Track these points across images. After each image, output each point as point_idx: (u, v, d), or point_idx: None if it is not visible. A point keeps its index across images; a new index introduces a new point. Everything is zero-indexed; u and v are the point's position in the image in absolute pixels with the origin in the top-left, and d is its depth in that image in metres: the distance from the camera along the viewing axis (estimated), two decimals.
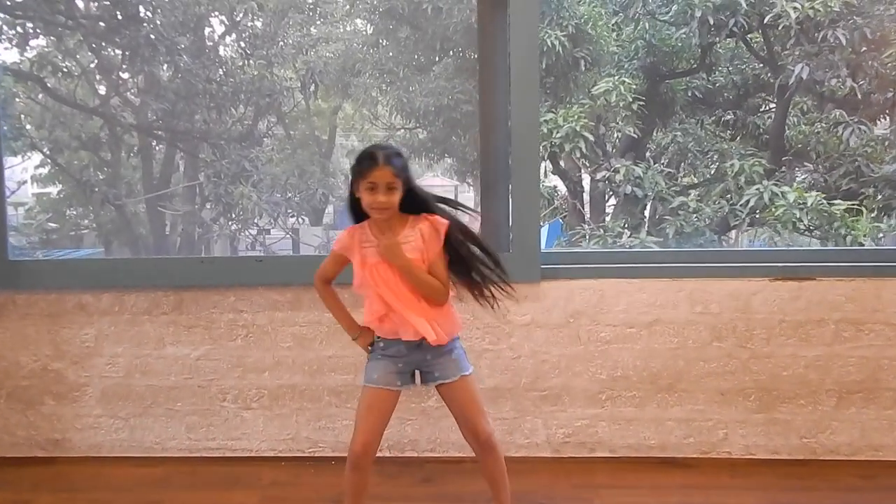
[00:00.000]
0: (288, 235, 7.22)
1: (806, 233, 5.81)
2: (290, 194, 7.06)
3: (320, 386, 2.94)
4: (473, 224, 2.48)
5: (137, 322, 2.96)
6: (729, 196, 6.40)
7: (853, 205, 5.96)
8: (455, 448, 2.86)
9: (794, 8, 5.99)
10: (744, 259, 2.90)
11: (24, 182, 7.67)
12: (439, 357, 2.10)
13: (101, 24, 6.35)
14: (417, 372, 2.14)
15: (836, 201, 5.84)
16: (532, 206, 2.87)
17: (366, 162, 2.00)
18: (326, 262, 2.20)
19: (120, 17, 6.25)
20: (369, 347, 2.18)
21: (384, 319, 2.09)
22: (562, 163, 6.90)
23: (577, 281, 2.86)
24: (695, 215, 6.41)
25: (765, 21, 6.32)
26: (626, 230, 6.34)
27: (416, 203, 2.08)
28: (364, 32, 8.05)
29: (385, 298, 2.06)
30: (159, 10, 6.54)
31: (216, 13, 7.31)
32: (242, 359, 2.95)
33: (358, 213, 2.11)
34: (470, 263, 2.12)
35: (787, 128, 6.85)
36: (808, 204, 5.68)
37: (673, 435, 2.88)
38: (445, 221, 2.08)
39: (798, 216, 5.69)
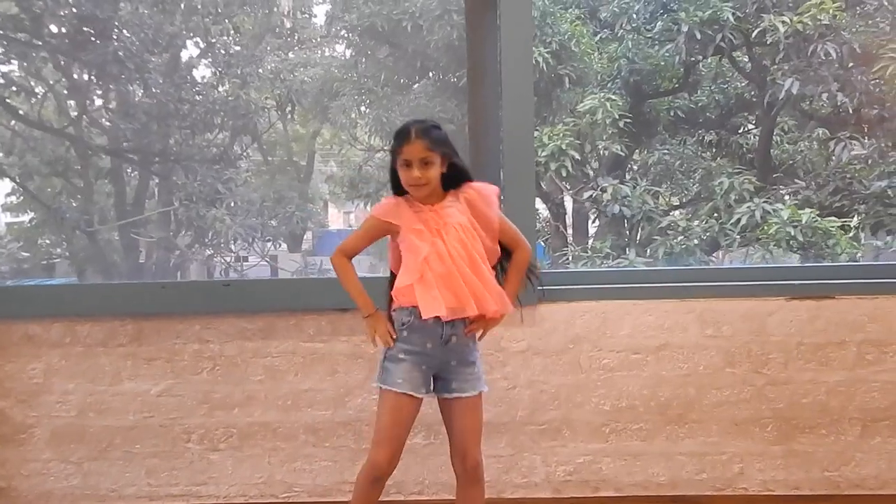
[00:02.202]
0: (265, 262, 6.97)
1: (800, 251, 5.66)
2: (269, 220, 6.82)
3: (296, 423, 2.68)
4: None
5: (91, 355, 2.68)
6: (717, 215, 6.26)
7: (846, 222, 5.83)
8: (446, 489, 2.59)
9: (783, 22, 5.88)
10: (757, 277, 2.68)
11: None
12: (463, 365, 2.01)
13: (67, 41, 6.09)
14: (434, 380, 2.03)
15: (830, 218, 5.71)
16: (527, 223, 2.63)
17: (399, 138, 1.96)
18: (359, 234, 2.07)
19: (87, 32, 6.01)
20: (377, 340, 2.03)
21: (431, 284, 1.93)
22: (543, 185, 6.72)
23: (578, 303, 2.64)
24: (683, 235, 6.25)
25: (752, 36, 6.21)
26: (612, 251, 6.16)
27: (459, 179, 2.02)
28: (343, 56, 7.89)
29: (452, 258, 1.93)
30: (127, 29, 6.31)
31: (190, 34, 7.10)
32: (209, 394, 2.69)
33: (398, 185, 2.03)
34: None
35: (772, 146, 6.76)
36: (803, 221, 5.52)
37: (684, 470, 2.64)
38: (494, 187, 2.06)
39: (792, 234, 5.53)
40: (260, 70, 7.26)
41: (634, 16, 6.79)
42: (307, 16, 8.29)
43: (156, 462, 2.71)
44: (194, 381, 2.68)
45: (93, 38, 6.10)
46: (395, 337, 2.00)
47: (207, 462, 2.70)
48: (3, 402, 2.70)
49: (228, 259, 6.59)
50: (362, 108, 7.80)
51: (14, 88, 6.70)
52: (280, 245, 7.24)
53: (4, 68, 6.59)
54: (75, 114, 6.91)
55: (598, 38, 7.07)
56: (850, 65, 6.17)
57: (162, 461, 2.70)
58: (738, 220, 5.86)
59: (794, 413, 2.61)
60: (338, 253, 2.10)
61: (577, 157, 6.28)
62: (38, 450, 2.71)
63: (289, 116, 7.84)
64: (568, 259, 6.42)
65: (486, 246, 2.01)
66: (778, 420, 2.62)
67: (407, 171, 1.95)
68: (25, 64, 6.59)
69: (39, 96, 6.88)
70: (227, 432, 2.69)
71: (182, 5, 6.91)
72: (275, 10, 7.92)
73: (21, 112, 6.83)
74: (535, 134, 5.81)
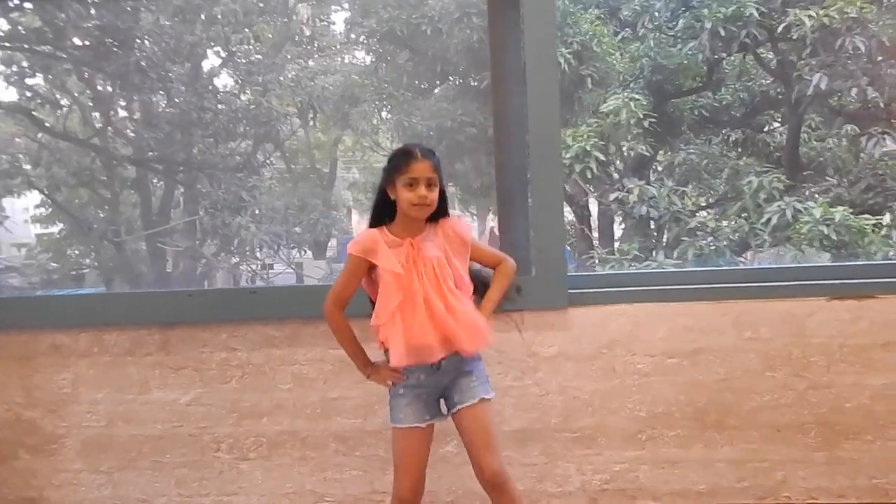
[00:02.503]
0: (291, 269, 6.98)
1: (833, 250, 5.54)
2: (293, 227, 6.84)
3: (325, 432, 2.64)
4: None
5: (119, 364, 2.66)
6: (746, 214, 6.15)
7: (880, 220, 5.70)
8: (480, 498, 2.52)
9: (810, 16, 5.77)
10: (795, 277, 2.59)
11: (27, 221, 7.55)
12: (459, 378, 2.02)
13: (90, 52, 6.14)
14: (442, 401, 2.05)
15: (863, 215, 5.59)
16: (556, 223, 2.58)
17: (403, 157, 1.95)
18: (343, 279, 2.04)
19: (110, 43, 6.05)
20: (388, 383, 2.05)
21: (400, 331, 1.95)
22: (568, 188, 6.66)
23: (610, 306, 2.56)
24: (712, 236, 6.16)
25: (777, 31, 6.10)
26: (640, 253, 6.08)
27: (441, 211, 2.03)
28: (363, 62, 7.90)
29: (426, 299, 1.94)
30: (149, 39, 6.35)
31: (211, 43, 7.13)
32: (237, 403, 2.65)
33: (385, 215, 2.03)
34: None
35: (799, 143, 6.63)
36: (836, 219, 5.40)
37: (724, 479, 2.56)
38: (468, 224, 2.07)
39: (825, 232, 5.42)
40: (281, 78, 7.28)
41: (656, 14, 6.71)
42: (326, 23, 8.30)
43: (185, 472, 2.68)
44: (223, 390, 2.65)
45: (115, 49, 6.15)
46: (401, 371, 2.01)
47: (237, 472, 2.67)
48: (32, 413, 2.69)
49: (254, 267, 6.61)
50: (383, 114, 7.79)
51: (39, 101, 6.78)
52: (305, 252, 7.26)
53: (30, 81, 6.67)
54: (100, 125, 6.97)
55: (619, 37, 7.01)
56: (880, 58, 6.05)
57: (191, 471, 2.68)
58: (769, 219, 5.76)
59: (838, 418, 2.52)
60: (330, 304, 2.08)
61: (602, 158, 6.22)
62: (69, 460, 2.70)
63: (310, 123, 7.85)
64: (594, 262, 6.35)
65: (463, 279, 2.02)
66: (821, 425, 2.53)
67: (412, 191, 1.93)
68: (50, 76, 6.66)
69: (65, 108, 6.95)
70: (257, 441, 2.66)
71: (202, 15, 6.95)
72: (294, 18, 7.94)
73: (47, 124, 6.91)
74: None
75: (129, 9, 6.12)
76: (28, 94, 6.59)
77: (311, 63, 7.85)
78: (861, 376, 2.51)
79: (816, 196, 6.29)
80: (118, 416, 2.68)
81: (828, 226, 5.41)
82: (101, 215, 6.97)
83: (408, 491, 2.00)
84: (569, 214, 6.95)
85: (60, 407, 2.68)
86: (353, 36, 7.78)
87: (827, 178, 6.51)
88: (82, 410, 2.68)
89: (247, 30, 7.17)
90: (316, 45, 8.07)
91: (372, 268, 2.01)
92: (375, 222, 2.04)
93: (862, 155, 6.38)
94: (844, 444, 2.53)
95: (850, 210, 5.63)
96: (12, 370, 2.68)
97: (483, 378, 2.06)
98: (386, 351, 2.02)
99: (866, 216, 5.58)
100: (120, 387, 2.67)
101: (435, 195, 1.96)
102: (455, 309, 1.95)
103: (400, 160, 1.95)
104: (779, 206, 5.74)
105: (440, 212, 2.02)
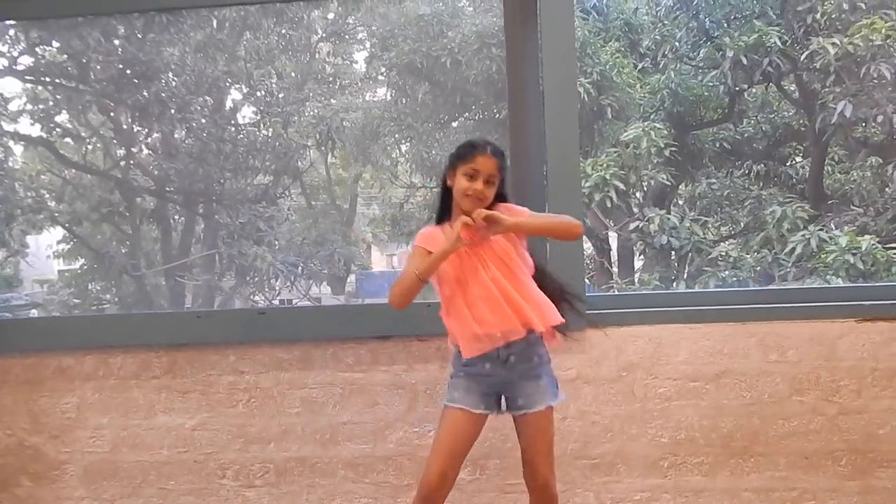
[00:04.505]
0: (308, 301, 6.95)
1: (860, 280, 5.40)
2: (310, 260, 6.82)
3: (334, 458, 2.56)
4: None
5: (125, 387, 2.61)
6: (770, 245, 6.03)
7: None
8: None
9: (833, 44, 5.70)
10: (825, 297, 2.49)
11: (49, 257, 7.63)
12: (527, 380, 1.98)
13: (112, 85, 6.23)
14: (503, 398, 2.01)
15: (890, 245, 5.45)
16: (575, 255, 2.52)
17: (471, 149, 1.96)
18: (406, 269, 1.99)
19: (131, 77, 6.13)
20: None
21: (465, 319, 1.93)
22: (587, 221, 6.59)
23: (630, 328, 2.48)
24: (734, 267, 6.04)
25: (800, 60, 6.04)
26: (661, 283, 5.98)
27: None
28: (384, 98, 7.96)
29: (485, 287, 1.92)
30: (171, 72, 6.44)
31: (230, 79, 7.22)
32: (244, 428, 2.59)
33: (446, 209, 2.04)
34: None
35: (823, 175, 6.54)
36: (863, 248, 5.27)
37: None
38: (523, 208, 2.03)
39: (852, 262, 5.28)
40: (302, 113, 7.34)
41: (677, 44, 6.68)
42: (348, 62, 8.39)
43: (190, 499, 2.60)
44: (229, 415, 2.58)
45: (137, 81, 6.23)
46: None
47: (243, 499, 2.59)
48: (36, 439, 2.64)
49: (272, 300, 6.58)
50: (402, 147, 7.81)
51: (63, 135, 6.87)
52: (323, 286, 7.24)
53: (56, 117, 6.77)
54: (122, 155, 7.04)
55: (639, 68, 6.99)
56: None
57: (196, 498, 2.60)
58: (793, 249, 5.63)
59: (871, 445, 2.41)
60: (394, 297, 2.01)
61: (622, 187, 6.14)
62: (72, 487, 2.63)
63: (330, 158, 7.89)
64: (614, 293, 6.24)
65: (525, 258, 2.01)
66: (852, 453, 2.41)
67: (470, 182, 1.93)
68: (73, 112, 6.75)
69: (88, 142, 7.03)
70: (264, 468, 2.58)
71: (226, 54, 7.04)
72: (316, 56, 8.03)
73: (72, 158, 6.99)
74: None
75: (149, 43, 6.21)
76: (53, 128, 6.69)
77: (332, 101, 7.91)
78: (894, 401, 2.39)
79: (842, 226, 6.16)
80: (123, 441, 2.62)
81: (854, 255, 5.27)
82: (123, 251, 7.00)
83: (435, 475, 1.94)
84: (588, 248, 6.87)
85: (64, 432, 2.63)
86: (373, 72, 7.85)
87: (852, 207, 6.39)
88: (86, 436, 2.63)
89: (269, 67, 7.25)
90: (339, 83, 8.15)
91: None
92: (439, 220, 2.05)
93: (888, 187, 6.27)
94: (878, 472, 2.41)
95: (877, 239, 5.51)
96: (18, 394, 2.64)
97: (552, 382, 2.02)
98: (456, 345, 2.00)
99: (893, 246, 5.44)
100: (125, 411, 2.61)
101: (491, 194, 1.95)
102: (523, 285, 1.94)
103: (467, 150, 1.96)
104: (803, 235, 5.62)
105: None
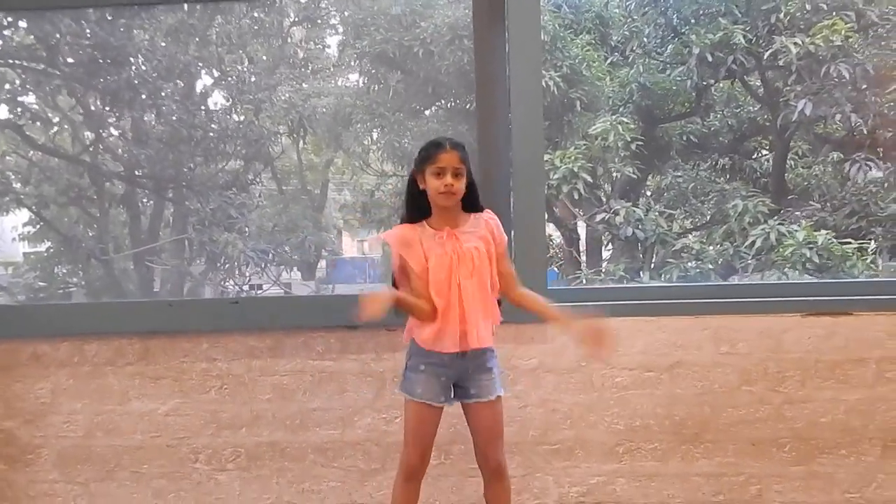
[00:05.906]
0: (279, 287, 6.95)
1: (816, 273, 5.58)
2: (282, 247, 6.81)
3: (304, 443, 2.64)
4: None
5: (99, 374, 2.66)
6: (732, 238, 6.19)
7: (863, 244, 5.74)
8: None
9: (795, 44, 5.84)
10: (773, 293, 2.63)
11: (14, 239, 7.51)
12: (480, 372, 2.10)
13: (82, 69, 6.16)
14: (454, 387, 2.13)
15: (846, 240, 5.63)
16: (538, 239, 2.61)
17: (432, 148, 2.05)
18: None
19: (101, 61, 6.07)
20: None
21: (444, 319, 2.03)
22: (556, 210, 6.70)
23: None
24: (697, 258, 6.19)
25: (764, 58, 6.19)
26: (626, 274, 6.11)
27: (473, 201, 2.12)
28: (356, 84, 7.94)
29: (460, 287, 2.02)
30: (141, 56, 6.38)
31: (201, 64, 7.16)
32: (216, 414, 2.66)
33: (417, 209, 2.10)
34: None
35: (786, 170, 6.70)
36: (819, 243, 5.45)
37: (700, 492, 2.57)
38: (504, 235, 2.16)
39: (808, 255, 5.46)
40: (274, 99, 7.30)
41: (645, 39, 6.78)
42: (320, 47, 8.35)
43: (163, 483, 2.67)
44: (202, 401, 2.65)
45: (107, 65, 6.17)
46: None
47: (215, 483, 2.66)
48: (10, 423, 2.68)
49: (242, 285, 6.58)
50: (374, 135, 7.82)
51: (31, 118, 6.77)
52: (293, 272, 7.23)
53: (23, 99, 6.68)
54: (91, 139, 6.97)
55: (608, 62, 7.08)
56: (864, 86, 6.12)
57: (169, 482, 2.67)
58: (753, 242, 5.79)
59: (813, 433, 2.55)
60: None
61: (590, 179, 6.25)
62: (45, 471, 2.68)
63: (302, 144, 7.86)
64: (581, 283, 6.36)
65: (492, 276, 2.10)
66: (796, 440, 2.55)
67: (439, 179, 2.02)
68: (42, 94, 6.67)
69: (56, 125, 6.95)
70: (235, 452, 2.66)
71: (197, 38, 6.98)
72: (289, 41, 7.99)
73: (39, 141, 6.90)
74: (547, 157, 5.82)
75: (121, 28, 6.15)
76: (20, 110, 6.60)
77: (304, 86, 7.88)
78: (836, 391, 2.53)
79: (801, 220, 6.33)
80: (97, 426, 2.67)
81: (811, 249, 5.44)
82: (90, 234, 6.94)
83: (417, 457, 2.10)
84: (557, 237, 6.98)
85: (38, 417, 2.68)
86: (345, 59, 7.83)
87: (811, 202, 6.56)
88: (60, 421, 2.68)
89: (241, 51, 7.20)
90: (310, 67, 8.11)
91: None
92: (409, 217, 2.12)
93: (848, 181, 6.44)
94: (820, 458, 2.55)
95: (834, 234, 5.68)
96: None
97: (499, 374, 2.15)
98: (413, 339, 2.12)
99: (849, 241, 5.62)
100: (99, 397, 2.66)
101: (461, 185, 2.04)
102: (488, 302, 2.07)
103: (430, 151, 2.05)
104: (762, 229, 5.77)
105: (473, 202, 2.12)
